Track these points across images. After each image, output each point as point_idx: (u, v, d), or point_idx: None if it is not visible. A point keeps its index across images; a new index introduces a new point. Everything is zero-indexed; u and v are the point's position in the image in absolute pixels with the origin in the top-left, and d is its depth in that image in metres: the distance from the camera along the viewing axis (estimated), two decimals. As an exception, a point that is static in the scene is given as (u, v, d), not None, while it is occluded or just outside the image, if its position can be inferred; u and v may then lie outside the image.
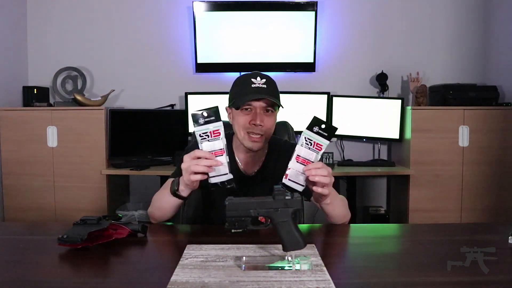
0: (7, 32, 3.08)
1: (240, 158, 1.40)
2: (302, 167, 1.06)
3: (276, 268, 0.89)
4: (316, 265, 0.92)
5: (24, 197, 2.91)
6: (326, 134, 1.06)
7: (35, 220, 2.87)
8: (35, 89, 3.11)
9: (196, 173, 1.09)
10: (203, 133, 1.08)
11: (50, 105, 3.04)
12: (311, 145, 1.06)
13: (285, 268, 0.89)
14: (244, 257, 0.92)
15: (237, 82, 1.35)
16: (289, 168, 1.06)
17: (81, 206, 2.88)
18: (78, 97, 2.99)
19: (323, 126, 1.06)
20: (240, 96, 1.29)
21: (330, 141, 1.07)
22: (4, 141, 2.92)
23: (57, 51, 3.29)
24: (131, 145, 3.07)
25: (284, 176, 1.06)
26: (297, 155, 1.06)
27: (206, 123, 1.07)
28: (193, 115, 1.07)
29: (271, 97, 1.26)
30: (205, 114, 1.07)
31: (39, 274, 0.91)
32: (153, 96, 3.28)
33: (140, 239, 1.14)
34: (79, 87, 3.21)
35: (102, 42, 3.30)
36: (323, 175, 1.05)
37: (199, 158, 1.08)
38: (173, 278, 0.85)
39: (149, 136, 3.10)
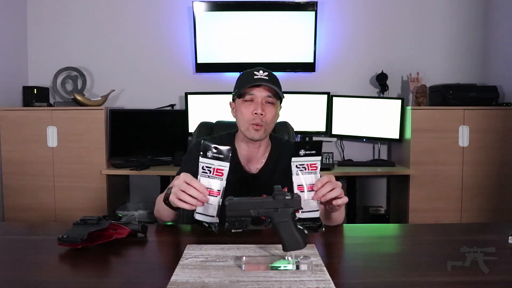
0: (7, 32, 3.08)
1: (242, 155, 1.41)
2: (308, 194, 1.05)
3: (276, 268, 0.89)
4: (316, 265, 0.92)
5: (24, 197, 2.92)
6: (314, 152, 1.05)
7: (35, 220, 2.87)
8: (35, 89, 3.11)
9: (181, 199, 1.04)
10: (206, 167, 1.05)
11: (50, 105, 3.04)
12: (305, 169, 1.05)
13: (285, 268, 0.89)
14: (244, 257, 0.92)
15: (240, 75, 1.41)
16: None
17: (81, 206, 2.88)
18: (78, 97, 2.99)
19: (307, 146, 1.05)
20: (243, 86, 1.34)
21: (321, 155, 1.07)
22: (4, 141, 2.92)
23: (57, 51, 3.29)
24: (131, 145, 3.07)
25: (295, 212, 1.02)
26: (298, 185, 1.05)
27: (213, 158, 1.04)
28: (204, 145, 1.05)
29: (272, 85, 1.31)
30: (215, 150, 1.04)
31: (39, 274, 0.91)
32: (153, 96, 3.28)
33: (140, 239, 1.14)
34: (79, 87, 3.21)
35: (102, 42, 3.30)
36: (329, 190, 1.05)
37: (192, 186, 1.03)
38: (173, 278, 0.85)
39: (149, 136, 3.10)
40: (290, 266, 0.89)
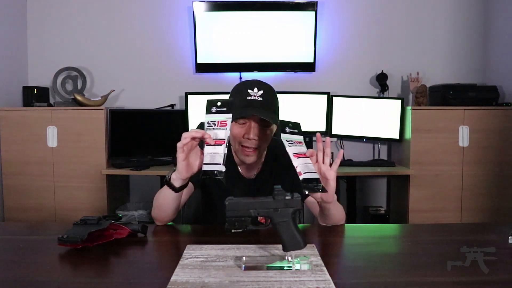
0: (7, 32, 3.08)
1: (239, 162, 1.40)
2: (305, 159, 1.11)
3: (276, 268, 0.89)
4: (316, 265, 0.92)
5: (24, 197, 2.91)
6: (296, 131, 1.15)
7: (35, 220, 2.87)
8: (35, 89, 3.10)
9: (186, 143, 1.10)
10: (211, 121, 1.10)
11: (50, 105, 3.04)
12: (294, 143, 1.13)
13: (285, 268, 0.89)
14: (244, 257, 0.92)
15: (234, 91, 1.31)
16: (296, 166, 1.09)
17: (81, 206, 2.88)
18: (78, 97, 2.99)
19: (290, 125, 1.15)
20: (235, 108, 1.26)
21: (303, 135, 1.18)
22: (4, 141, 2.92)
23: (57, 51, 3.29)
24: (131, 145, 3.07)
25: (298, 175, 1.08)
26: (293, 153, 1.11)
27: (217, 112, 1.10)
28: (208, 102, 1.10)
29: (265, 112, 1.22)
30: (219, 103, 1.10)
31: (39, 274, 0.91)
32: (153, 96, 3.28)
33: (140, 239, 1.14)
34: (79, 87, 3.21)
35: (102, 42, 3.30)
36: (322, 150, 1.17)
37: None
38: (173, 278, 0.85)
39: (149, 136, 3.10)
40: (290, 266, 0.89)
